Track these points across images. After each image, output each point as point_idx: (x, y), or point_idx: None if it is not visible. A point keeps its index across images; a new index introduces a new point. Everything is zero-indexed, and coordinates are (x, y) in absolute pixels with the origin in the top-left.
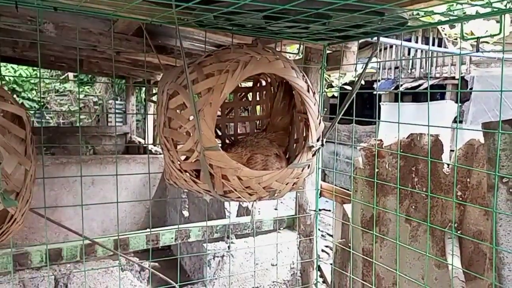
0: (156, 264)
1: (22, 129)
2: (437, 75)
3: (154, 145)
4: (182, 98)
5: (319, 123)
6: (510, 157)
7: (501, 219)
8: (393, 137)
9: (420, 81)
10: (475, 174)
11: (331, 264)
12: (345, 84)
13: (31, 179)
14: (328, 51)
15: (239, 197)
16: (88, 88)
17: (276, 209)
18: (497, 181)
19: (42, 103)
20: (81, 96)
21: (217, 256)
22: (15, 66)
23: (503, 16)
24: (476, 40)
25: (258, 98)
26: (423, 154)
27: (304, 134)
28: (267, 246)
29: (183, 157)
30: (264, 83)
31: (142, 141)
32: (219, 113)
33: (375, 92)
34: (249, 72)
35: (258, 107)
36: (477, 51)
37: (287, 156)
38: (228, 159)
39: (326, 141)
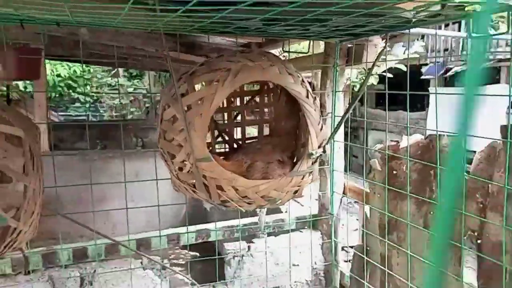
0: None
1: (20, 148)
2: (490, 57)
3: None
4: (173, 110)
5: (320, 129)
6: None
7: None
8: (412, 138)
9: None
10: (496, 179)
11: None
12: (390, 69)
13: (34, 192)
14: (349, 45)
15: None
16: (137, 82)
17: (302, 205)
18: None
19: (96, 98)
20: (131, 89)
21: (237, 256)
22: (70, 63)
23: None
24: None
25: (266, 101)
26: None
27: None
28: (289, 246)
29: (180, 168)
30: (271, 85)
31: None
32: (226, 117)
33: (423, 77)
34: (241, 80)
35: (266, 110)
36: None
37: (295, 160)
38: (222, 169)
39: (371, 129)
